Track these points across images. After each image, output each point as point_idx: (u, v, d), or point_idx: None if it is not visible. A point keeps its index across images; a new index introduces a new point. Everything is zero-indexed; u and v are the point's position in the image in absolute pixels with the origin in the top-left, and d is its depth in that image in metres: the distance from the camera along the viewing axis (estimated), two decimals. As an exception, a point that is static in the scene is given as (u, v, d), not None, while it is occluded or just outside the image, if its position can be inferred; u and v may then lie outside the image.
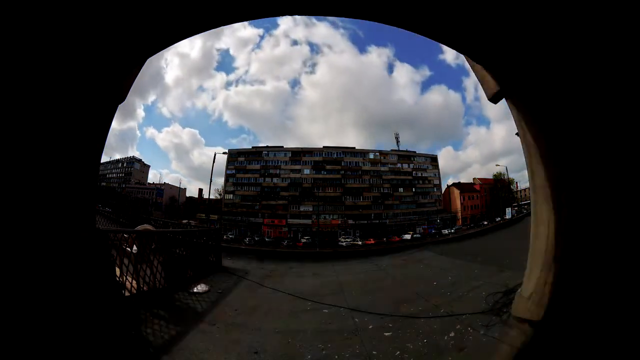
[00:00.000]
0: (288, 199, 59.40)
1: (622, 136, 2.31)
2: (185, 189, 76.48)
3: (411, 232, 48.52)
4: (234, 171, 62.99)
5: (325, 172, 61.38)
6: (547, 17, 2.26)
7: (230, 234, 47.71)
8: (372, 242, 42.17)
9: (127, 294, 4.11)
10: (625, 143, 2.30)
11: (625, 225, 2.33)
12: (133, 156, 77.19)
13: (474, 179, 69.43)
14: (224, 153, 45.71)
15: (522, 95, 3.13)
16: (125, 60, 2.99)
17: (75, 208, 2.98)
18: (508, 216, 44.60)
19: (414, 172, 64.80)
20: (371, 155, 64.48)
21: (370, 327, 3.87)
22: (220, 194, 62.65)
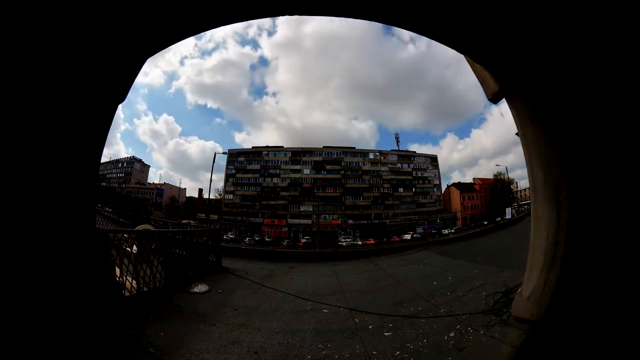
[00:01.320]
0: (288, 199, 59.42)
1: (623, 135, 2.31)
2: (185, 189, 76.57)
3: (411, 232, 48.52)
4: (233, 171, 63.02)
5: (325, 172, 61.41)
6: (548, 16, 2.26)
7: (230, 234, 47.73)
8: (372, 242, 42.19)
9: (127, 294, 4.11)
10: (626, 142, 2.30)
11: (626, 225, 2.33)
12: (133, 156, 77.33)
13: (474, 179, 69.50)
14: (224, 153, 45.81)
15: (521, 95, 3.13)
16: (126, 60, 2.99)
17: (75, 208, 2.98)
18: (508, 216, 44.64)
19: (414, 172, 64.85)
20: (371, 155, 64.52)
21: (370, 327, 3.87)
22: (220, 194, 62.67)
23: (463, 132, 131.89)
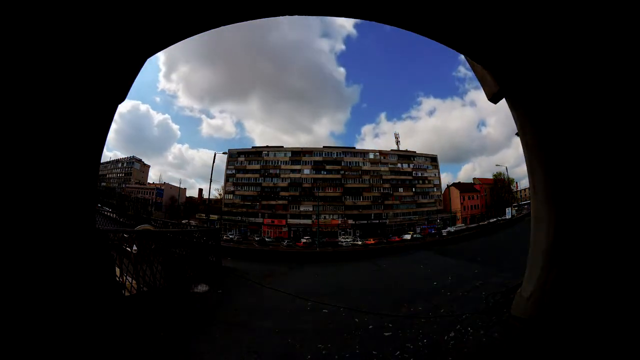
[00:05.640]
0: (288, 199, 59.37)
1: (621, 135, 2.31)
2: (185, 189, 76.44)
3: (411, 232, 48.35)
4: (234, 171, 62.99)
5: (325, 172, 61.36)
6: (547, 18, 2.26)
7: (230, 234, 47.68)
8: (372, 242, 42.08)
9: (127, 294, 4.11)
10: (624, 142, 2.30)
11: (624, 225, 2.33)
12: (133, 156, 77.27)
13: (474, 179, 69.45)
14: (223, 153, 45.67)
15: (522, 95, 3.13)
16: (126, 60, 2.99)
17: (75, 208, 2.97)
18: (508, 216, 44.56)
19: (414, 172, 64.81)
20: (371, 155, 64.47)
21: (370, 327, 3.87)
22: (220, 194, 62.66)
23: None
